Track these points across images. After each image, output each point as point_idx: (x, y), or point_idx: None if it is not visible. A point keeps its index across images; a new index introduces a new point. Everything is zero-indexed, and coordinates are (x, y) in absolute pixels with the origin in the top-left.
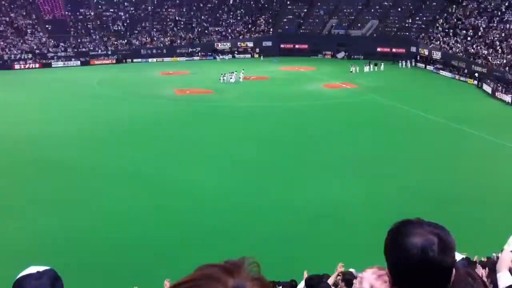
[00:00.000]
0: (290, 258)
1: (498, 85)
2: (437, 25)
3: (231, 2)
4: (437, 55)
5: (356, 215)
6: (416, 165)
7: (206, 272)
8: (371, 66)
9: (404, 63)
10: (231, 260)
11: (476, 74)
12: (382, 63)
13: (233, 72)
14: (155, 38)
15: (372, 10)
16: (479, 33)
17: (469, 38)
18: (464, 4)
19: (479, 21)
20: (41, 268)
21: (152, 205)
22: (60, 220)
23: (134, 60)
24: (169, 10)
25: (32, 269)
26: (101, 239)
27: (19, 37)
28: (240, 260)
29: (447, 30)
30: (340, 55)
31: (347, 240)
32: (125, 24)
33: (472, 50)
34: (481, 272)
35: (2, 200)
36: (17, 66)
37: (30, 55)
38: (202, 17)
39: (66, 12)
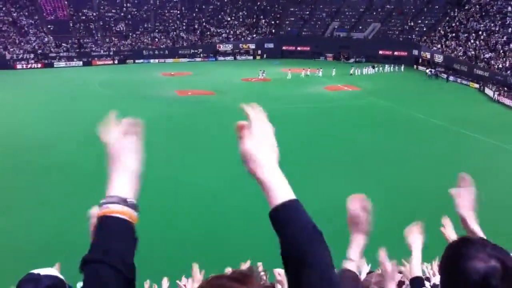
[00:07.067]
0: None
1: (500, 88)
2: (439, 28)
3: (233, 4)
4: (439, 58)
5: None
6: (417, 168)
7: (217, 283)
8: (370, 68)
9: (389, 67)
10: (239, 270)
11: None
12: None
13: (319, 69)
14: (157, 39)
15: (374, 13)
16: (482, 37)
17: (471, 42)
18: (466, 7)
19: (481, 25)
20: (49, 273)
21: (153, 206)
22: (64, 221)
23: (136, 61)
24: (171, 11)
25: (47, 272)
26: None
27: (21, 37)
28: (249, 269)
29: (449, 34)
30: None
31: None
32: (127, 25)
33: (474, 53)
34: None
35: (4, 201)
36: (19, 66)
37: (32, 55)
38: (204, 19)
39: (69, 13)
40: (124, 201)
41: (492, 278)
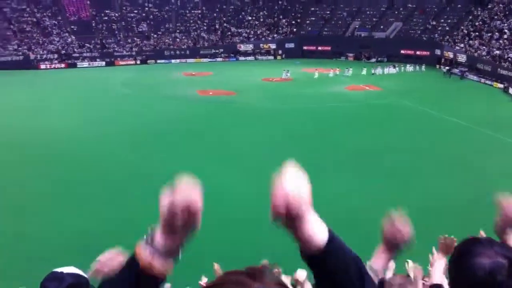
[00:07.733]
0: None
1: None
2: (462, 27)
3: (254, 3)
4: (462, 58)
5: (372, 220)
6: (438, 169)
7: (230, 278)
8: (391, 67)
9: (410, 67)
10: (252, 266)
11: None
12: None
13: (349, 69)
14: (178, 40)
15: (396, 12)
16: (505, 36)
17: (495, 41)
18: (489, 6)
19: (505, 24)
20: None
21: None
22: (82, 219)
23: (158, 61)
24: (192, 11)
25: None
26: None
27: (45, 37)
28: (263, 266)
29: (472, 33)
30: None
31: (361, 246)
32: (149, 26)
33: (498, 53)
34: None
35: (21, 197)
36: (43, 66)
37: (56, 55)
38: (225, 19)
39: (91, 13)
40: (165, 253)
41: (498, 274)
